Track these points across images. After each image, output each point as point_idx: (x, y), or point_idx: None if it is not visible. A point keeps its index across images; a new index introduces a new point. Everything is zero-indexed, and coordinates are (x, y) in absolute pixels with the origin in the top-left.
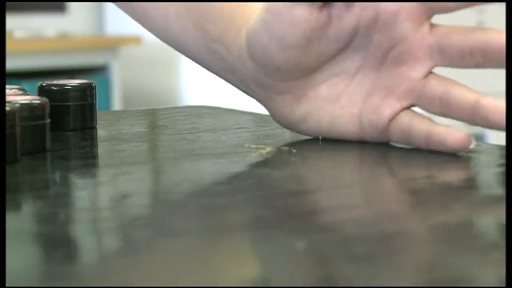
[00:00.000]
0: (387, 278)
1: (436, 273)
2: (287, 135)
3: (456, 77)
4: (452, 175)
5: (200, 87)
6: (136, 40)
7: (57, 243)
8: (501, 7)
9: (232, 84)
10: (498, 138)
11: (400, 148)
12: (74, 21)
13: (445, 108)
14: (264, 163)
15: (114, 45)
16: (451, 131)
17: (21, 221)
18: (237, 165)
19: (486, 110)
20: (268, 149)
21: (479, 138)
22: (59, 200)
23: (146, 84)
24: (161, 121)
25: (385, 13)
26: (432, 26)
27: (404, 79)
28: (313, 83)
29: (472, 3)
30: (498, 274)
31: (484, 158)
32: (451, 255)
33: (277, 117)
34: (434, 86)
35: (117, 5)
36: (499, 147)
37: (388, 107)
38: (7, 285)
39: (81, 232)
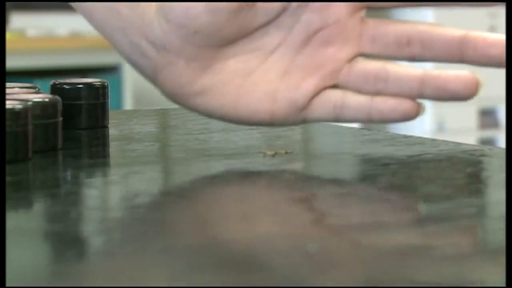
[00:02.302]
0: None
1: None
2: (299, 137)
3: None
4: (462, 178)
5: None
6: None
7: (68, 242)
8: None
9: (116, 47)
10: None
11: (403, 158)
12: None
13: (383, 83)
14: (276, 164)
15: None
16: (400, 100)
17: (32, 219)
18: (248, 166)
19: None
20: (280, 151)
21: (491, 142)
22: (70, 199)
23: None
24: (173, 121)
25: None
26: (363, 18)
27: (330, 60)
28: (224, 55)
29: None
30: (500, 275)
31: (496, 163)
32: (456, 259)
33: (169, 88)
34: (368, 65)
35: None
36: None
37: (310, 85)
38: (18, 283)
39: (92, 231)
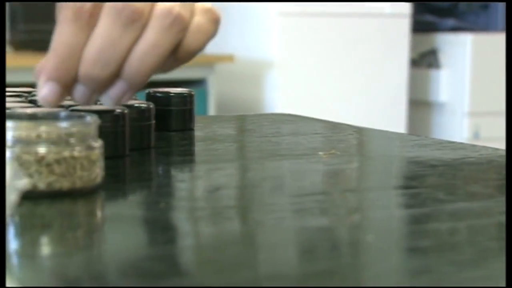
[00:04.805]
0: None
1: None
2: (355, 141)
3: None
4: (501, 179)
5: (283, 98)
6: (229, 58)
7: (159, 228)
8: None
9: None
10: None
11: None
12: None
13: None
14: (336, 164)
15: (211, 61)
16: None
17: (128, 208)
18: (314, 165)
19: None
20: (332, 152)
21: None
22: (161, 190)
23: (237, 95)
24: (250, 126)
25: None
26: None
27: None
28: None
29: None
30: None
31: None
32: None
33: None
34: None
35: None
36: None
37: None
38: (116, 262)
39: (179, 218)
